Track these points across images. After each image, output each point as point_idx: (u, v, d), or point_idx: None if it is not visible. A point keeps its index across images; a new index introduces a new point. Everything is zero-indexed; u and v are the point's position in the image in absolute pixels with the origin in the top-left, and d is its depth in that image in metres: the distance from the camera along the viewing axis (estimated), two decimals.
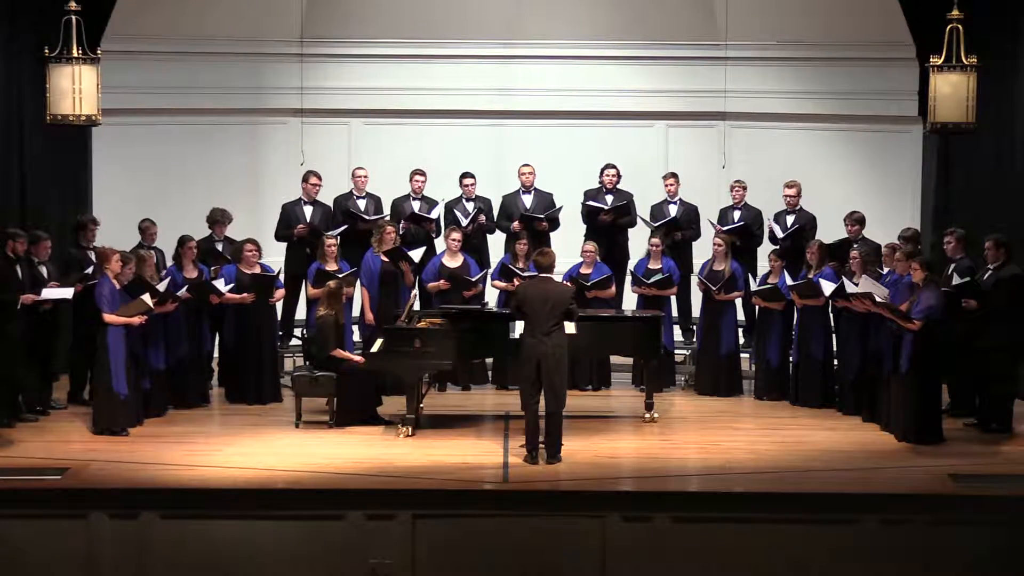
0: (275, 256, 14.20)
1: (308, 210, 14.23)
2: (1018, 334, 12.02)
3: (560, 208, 14.26)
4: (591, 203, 14.22)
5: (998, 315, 11.94)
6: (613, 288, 13.77)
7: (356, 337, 13.74)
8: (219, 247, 13.79)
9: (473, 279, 13.62)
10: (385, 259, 13.39)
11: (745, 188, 14.44)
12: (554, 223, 14.24)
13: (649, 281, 13.69)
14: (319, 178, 14.33)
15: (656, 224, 14.17)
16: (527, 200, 14.35)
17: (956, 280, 12.21)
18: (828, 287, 12.69)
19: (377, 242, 13.42)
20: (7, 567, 10.00)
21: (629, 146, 15.97)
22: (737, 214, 14.35)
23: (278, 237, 14.30)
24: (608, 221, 14.15)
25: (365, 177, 14.41)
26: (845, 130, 16.16)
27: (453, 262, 13.73)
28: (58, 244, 13.02)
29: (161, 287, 12.21)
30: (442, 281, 13.64)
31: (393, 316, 12.77)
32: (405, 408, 12.04)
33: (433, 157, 15.26)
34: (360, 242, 13.96)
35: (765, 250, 14.16)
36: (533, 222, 14.06)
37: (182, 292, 12.55)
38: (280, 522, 10.11)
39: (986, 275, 12.21)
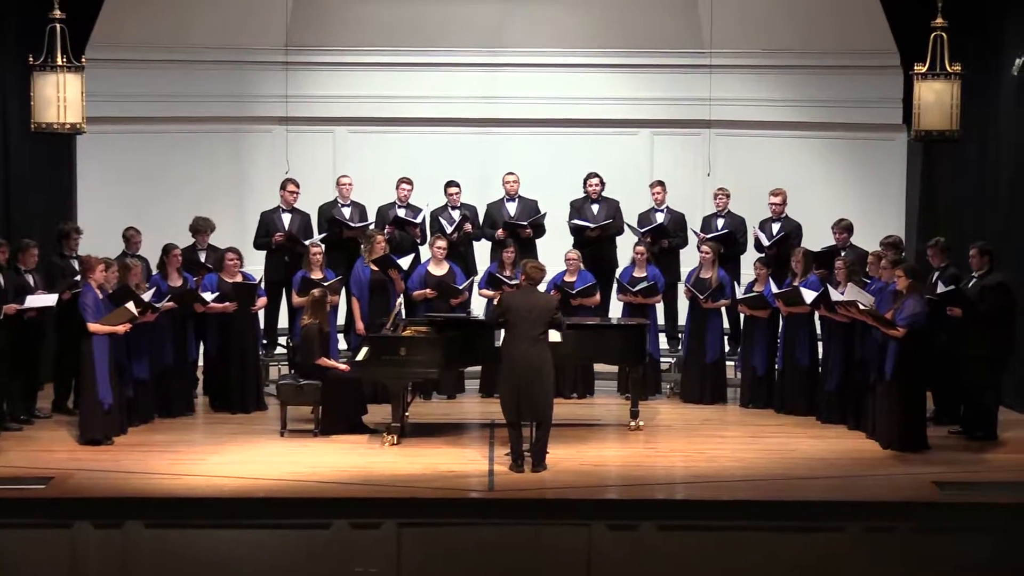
0: (257, 265, 14.17)
1: (286, 218, 14.21)
2: (1002, 342, 12.05)
3: (544, 215, 14.25)
4: (577, 222, 14.21)
5: (983, 323, 11.97)
6: (598, 296, 13.78)
7: (342, 345, 13.71)
8: (202, 256, 13.75)
9: (459, 287, 13.61)
10: (375, 268, 13.37)
11: (728, 196, 14.45)
12: (539, 229, 14.24)
13: (634, 289, 13.69)
14: (296, 186, 14.32)
15: (644, 230, 14.18)
16: (511, 208, 14.34)
17: (941, 288, 12.23)
18: (808, 295, 12.71)
19: (367, 252, 13.39)
20: None
21: (614, 154, 15.98)
22: (720, 222, 14.36)
23: (256, 245, 14.27)
24: (596, 236, 14.15)
25: (350, 185, 14.39)
26: (830, 138, 16.19)
27: (439, 270, 13.71)
28: (42, 253, 12.97)
29: (147, 296, 12.17)
30: (428, 289, 13.63)
31: (378, 324, 12.75)
32: (390, 417, 12.03)
33: (418, 165, 15.23)
34: (345, 250, 13.96)
35: (748, 258, 14.19)
36: (517, 229, 14.06)
37: (163, 304, 12.44)
38: (265, 531, 10.08)
39: (970, 283, 12.23)
